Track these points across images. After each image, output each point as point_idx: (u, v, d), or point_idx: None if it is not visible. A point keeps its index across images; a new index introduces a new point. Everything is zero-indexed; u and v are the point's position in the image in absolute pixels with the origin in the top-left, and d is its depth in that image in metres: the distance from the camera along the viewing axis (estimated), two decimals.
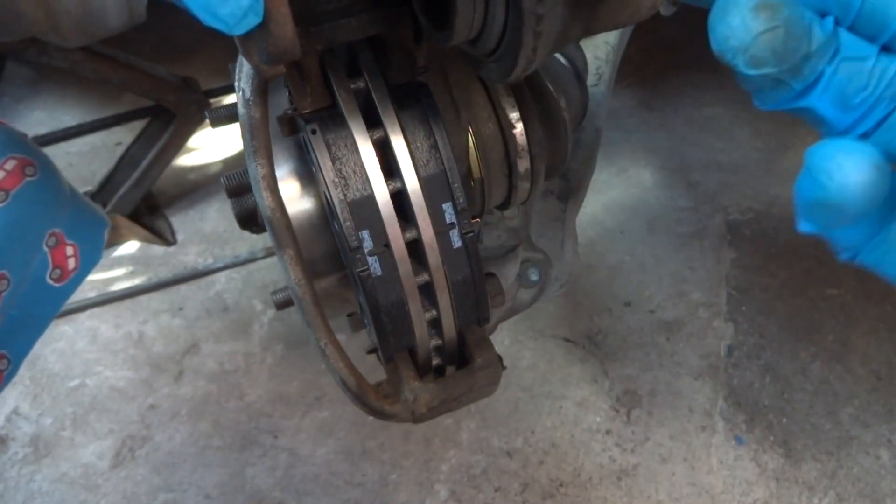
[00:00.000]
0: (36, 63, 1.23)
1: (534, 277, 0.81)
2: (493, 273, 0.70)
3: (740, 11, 0.29)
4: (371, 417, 0.60)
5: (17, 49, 1.20)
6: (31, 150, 0.50)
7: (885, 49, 0.30)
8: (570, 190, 0.86)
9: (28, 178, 0.49)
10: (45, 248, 0.51)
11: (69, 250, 0.53)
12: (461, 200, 0.55)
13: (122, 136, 1.65)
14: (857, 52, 0.30)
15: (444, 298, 0.57)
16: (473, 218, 0.67)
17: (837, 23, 0.30)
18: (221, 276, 1.46)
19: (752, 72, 0.30)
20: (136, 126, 1.50)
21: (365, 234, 0.53)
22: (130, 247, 1.53)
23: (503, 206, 0.68)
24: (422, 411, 0.59)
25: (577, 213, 0.88)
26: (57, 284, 0.53)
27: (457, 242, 0.56)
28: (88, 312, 1.39)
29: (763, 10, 0.29)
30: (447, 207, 0.54)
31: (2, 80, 1.84)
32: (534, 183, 0.63)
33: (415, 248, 0.55)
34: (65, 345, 1.34)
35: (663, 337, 1.31)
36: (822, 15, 0.30)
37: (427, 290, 0.57)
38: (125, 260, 1.51)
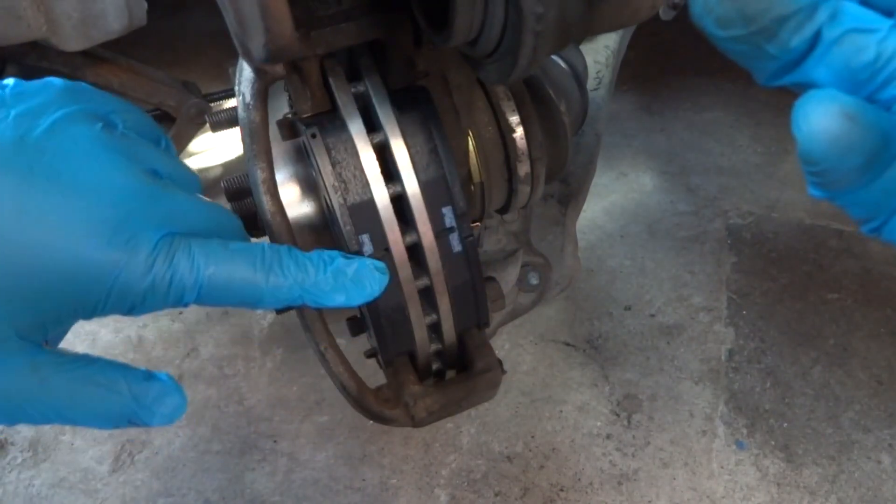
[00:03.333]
0: (36, 67, 1.23)
1: (534, 281, 0.81)
2: (493, 277, 0.70)
3: None
4: (371, 422, 0.60)
5: (18, 53, 1.20)
6: None
7: None
8: (570, 194, 0.86)
9: None
10: None
11: None
12: (461, 204, 0.55)
13: None
14: (864, 24, 0.28)
15: (443, 302, 0.57)
16: (473, 222, 0.67)
17: None
18: None
19: (720, 33, 0.29)
20: None
21: (365, 238, 0.53)
22: None
23: (503, 210, 0.68)
24: (422, 416, 0.59)
25: (578, 216, 0.89)
26: None
27: (457, 246, 0.55)
28: None
29: None
30: (447, 211, 0.54)
31: None
32: (534, 187, 0.63)
33: (415, 252, 0.55)
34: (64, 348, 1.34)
35: (664, 341, 1.31)
36: None
37: (427, 294, 0.57)
38: None
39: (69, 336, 1.34)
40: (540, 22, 0.38)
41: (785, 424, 1.18)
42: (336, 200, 0.53)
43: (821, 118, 0.28)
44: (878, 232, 0.31)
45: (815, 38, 0.29)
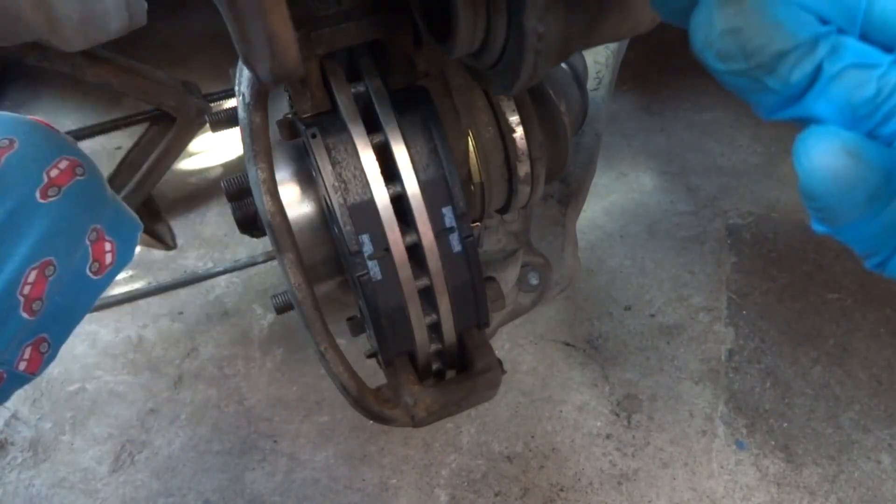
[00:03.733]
0: (36, 67, 1.23)
1: (534, 281, 0.81)
2: (493, 277, 0.70)
3: (708, 5, 0.29)
4: (371, 422, 0.59)
5: (18, 53, 1.20)
6: (81, 154, 0.55)
7: None
8: (570, 194, 0.86)
9: (77, 178, 0.54)
10: (87, 242, 0.55)
11: (107, 246, 0.57)
12: (461, 204, 0.55)
13: (123, 140, 1.65)
14: (864, 59, 0.28)
15: (444, 302, 0.57)
16: (473, 222, 0.67)
17: (841, 30, 0.29)
18: (221, 281, 1.46)
19: (721, 66, 0.30)
20: (137, 130, 1.50)
21: (365, 238, 0.53)
22: None
23: (503, 210, 0.68)
24: (422, 416, 0.59)
25: (578, 217, 0.88)
26: (95, 277, 0.57)
27: (457, 246, 0.55)
28: (88, 316, 1.38)
29: (728, 4, 0.29)
30: (447, 211, 0.54)
31: (3, 85, 1.84)
32: (534, 187, 0.63)
33: (415, 253, 0.55)
34: (64, 349, 1.33)
35: (664, 341, 1.31)
36: (824, 22, 0.29)
37: (427, 295, 0.57)
38: None
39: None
40: (541, 40, 0.38)
41: (785, 424, 1.18)
42: (336, 200, 0.53)
43: (822, 155, 0.28)
44: (882, 268, 0.31)
45: (816, 73, 0.29)
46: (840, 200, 0.29)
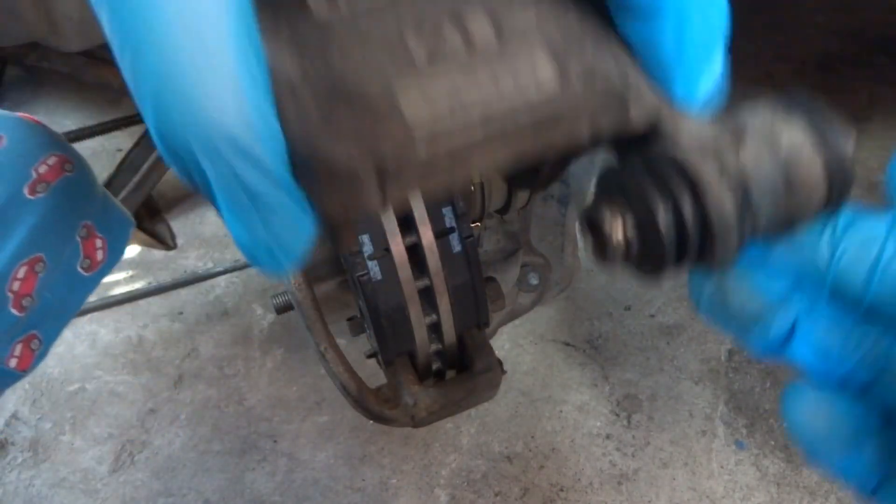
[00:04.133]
0: (36, 67, 1.23)
1: (534, 281, 0.81)
2: (493, 277, 0.70)
3: (697, 274, 0.35)
4: (371, 422, 0.59)
5: (18, 54, 1.20)
6: (70, 150, 0.56)
7: (869, 315, 0.33)
8: (570, 194, 0.86)
9: (66, 174, 0.55)
10: (78, 239, 0.56)
11: (98, 243, 0.58)
12: (461, 204, 0.55)
13: (123, 140, 1.65)
14: (833, 319, 0.34)
15: (443, 303, 0.57)
16: (473, 222, 0.67)
17: (813, 293, 0.34)
18: (221, 281, 1.46)
19: (711, 319, 0.35)
20: (136, 131, 1.50)
21: (365, 238, 0.53)
22: (130, 251, 1.53)
23: (503, 211, 0.68)
24: (422, 416, 0.59)
25: (578, 217, 0.88)
26: (86, 274, 0.57)
27: (456, 247, 0.56)
28: (88, 316, 1.39)
29: (714, 278, 0.34)
30: (447, 212, 0.55)
31: (2, 85, 1.84)
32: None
33: (415, 253, 0.55)
34: (64, 349, 1.34)
35: (664, 341, 1.31)
36: (799, 285, 0.34)
37: (427, 295, 0.57)
38: (125, 264, 1.51)
39: (69, 335, 1.34)
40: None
41: (785, 424, 1.18)
42: None
43: (801, 410, 0.35)
44: (873, 497, 0.35)
45: (792, 329, 0.34)
46: (820, 446, 0.35)
